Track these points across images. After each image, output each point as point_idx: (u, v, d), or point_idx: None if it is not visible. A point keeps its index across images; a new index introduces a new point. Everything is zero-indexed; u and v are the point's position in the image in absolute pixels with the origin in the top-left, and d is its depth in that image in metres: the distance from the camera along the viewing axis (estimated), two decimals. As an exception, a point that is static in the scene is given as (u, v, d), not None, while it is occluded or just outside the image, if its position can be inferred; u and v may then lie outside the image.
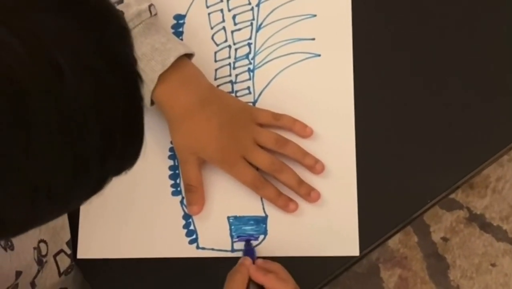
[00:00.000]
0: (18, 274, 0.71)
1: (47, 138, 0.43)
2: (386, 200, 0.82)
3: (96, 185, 0.48)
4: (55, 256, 0.79)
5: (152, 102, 0.80)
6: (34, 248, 0.75)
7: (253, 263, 0.77)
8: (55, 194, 0.45)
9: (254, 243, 0.82)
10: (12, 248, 0.70)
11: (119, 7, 0.78)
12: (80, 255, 0.82)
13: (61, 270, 0.80)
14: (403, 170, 0.83)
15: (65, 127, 0.43)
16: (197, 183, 0.81)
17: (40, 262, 0.76)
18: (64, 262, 0.81)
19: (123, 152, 0.48)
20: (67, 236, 0.81)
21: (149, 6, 0.80)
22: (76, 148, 0.44)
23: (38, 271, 0.76)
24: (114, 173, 0.49)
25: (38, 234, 0.77)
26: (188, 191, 0.82)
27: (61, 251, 0.80)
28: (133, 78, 0.48)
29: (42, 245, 0.77)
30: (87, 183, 0.47)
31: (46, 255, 0.78)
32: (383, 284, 1.47)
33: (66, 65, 0.43)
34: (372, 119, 0.84)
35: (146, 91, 0.79)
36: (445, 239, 1.48)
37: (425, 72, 0.85)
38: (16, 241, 0.72)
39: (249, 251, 0.79)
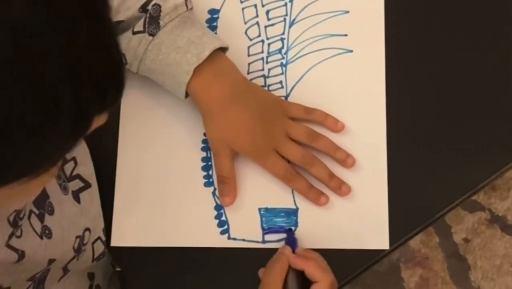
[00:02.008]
0: (51, 261, 0.72)
1: (3, 64, 0.42)
2: (416, 195, 0.83)
3: (73, 123, 0.46)
4: (93, 243, 0.81)
5: (187, 95, 0.82)
6: (77, 237, 0.77)
7: (294, 252, 0.78)
8: (27, 129, 0.44)
9: (284, 235, 0.83)
10: (49, 236, 0.71)
11: (157, 0, 0.80)
12: (114, 243, 0.84)
13: (95, 256, 0.82)
14: (433, 165, 0.84)
15: (20, 51, 0.42)
16: (230, 175, 0.83)
17: (79, 250, 0.77)
18: (99, 248, 0.82)
19: (97, 79, 0.47)
20: (102, 223, 0.83)
21: (186, 0, 0.81)
22: (38, 73, 0.43)
23: (73, 258, 0.77)
24: (92, 107, 0.47)
25: (84, 222, 0.78)
26: (221, 183, 0.83)
27: (98, 238, 0.82)
28: (95, 6, 0.46)
29: (86, 233, 0.79)
30: (59, 117, 0.45)
31: (87, 243, 0.79)
32: (404, 284, 1.47)
33: None
34: (403, 115, 0.85)
35: (182, 84, 0.80)
36: (466, 240, 1.49)
37: (457, 69, 0.86)
38: (58, 230, 0.73)
39: (291, 239, 0.80)
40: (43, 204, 0.72)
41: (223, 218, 0.83)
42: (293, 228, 0.82)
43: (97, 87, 0.47)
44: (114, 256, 0.86)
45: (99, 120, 0.49)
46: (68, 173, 0.78)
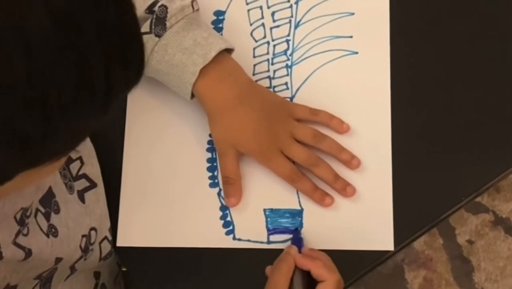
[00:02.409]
0: (58, 260, 0.73)
1: (44, 40, 0.44)
2: (421, 197, 0.83)
3: (103, 99, 0.48)
4: (100, 243, 0.81)
5: (193, 96, 0.82)
6: (84, 236, 0.77)
7: (300, 252, 0.78)
8: (64, 104, 0.45)
9: (289, 236, 0.83)
10: (55, 235, 0.72)
11: (163, 1, 0.80)
12: (120, 243, 0.84)
13: (102, 256, 0.82)
14: (438, 167, 0.84)
15: (59, 28, 0.44)
16: (235, 176, 0.83)
17: (86, 249, 0.78)
18: (106, 248, 0.82)
19: (124, 57, 0.48)
20: (108, 223, 0.83)
21: (192, 2, 0.82)
22: (76, 50, 0.45)
23: (81, 257, 0.77)
24: (119, 85, 0.49)
25: (89, 222, 0.79)
26: (226, 183, 0.83)
27: (105, 238, 0.82)
28: None
29: (93, 233, 0.79)
30: (93, 92, 0.47)
31: (94, 242, 0.80)
32: (408, 285, 1.47)
33: None
34: (408, 116, 0.85)
35: (187, 85, 0.81)
36: (470, 242, 1.49)
37: (461, 71, 0.86)
38: (63, 228, 0.74)
39: (297, 239, 0.81)
40: (49, 203, 0.72)
41: (228, 218, 0.84)
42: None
43: (123, 66, 0.49)
44: (120, 256, 0.86)
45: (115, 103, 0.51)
46: (74, 172, 0.79)
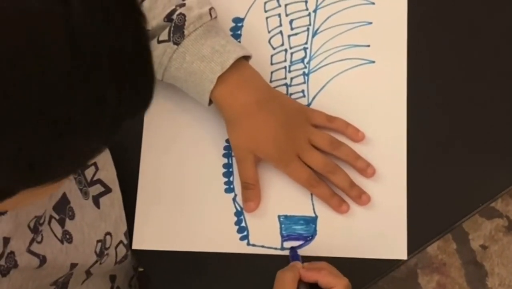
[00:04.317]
0: (73, 265, 0.74)
1: (59, 65, 0.44)
2: (436, 205, 0.84)
3: (112, 123, 0.48)
4: (116, 247, 0.82)
5: (211, 102, 0.83)
6: (99, 241, 0.78)
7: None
8: (74, 124, 0.46)
9: (300, 243, 0.84)
10: (70, 241, 0.73)
11: (182, 10, 0.81)
12: (135, 246, 0.85)
13: (117, 260, 0.83)
14: (453, 175, 0.85)
15: (76, 54, 0.44)
16: (254, 181, 0.84)
17: (101, 254, 0.79)
18: (122, 252, 0.83)
19: (135, 84, 0.49)
20: (124, 227, 0.84)
21: (210, 10, 0.83)
22: (90, 74, 0.45)
23: (96, 262, 0.78)
24: (129, 110, 0.49)
25: (105, 226, 0.80)
26: (246, 188, 0.84)
27: (121, 242, 0.83)
28: (138, 14, 0.49)
29: (108, 238, 0.80)
30: (103, 116, 0.47)
31: (109, 247, 0.81)
32: (421, 290, 1.47)
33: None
34: (423, 126, 0.86)
35: (205, 92, 0.81)
36: (484, 247, 1.49)
37: (478, 80, 0.87)
38: (78, 234, 0.74)
39: (295, 257, 0.81)
40: (63, 209, 0.73)
41: (243, 224, 0.85)
42: (297, 243, 0.83)
43: (135, 92, 0.49)
44: (138, 258, 0.87)
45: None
46: (89, 178, 0.79)
